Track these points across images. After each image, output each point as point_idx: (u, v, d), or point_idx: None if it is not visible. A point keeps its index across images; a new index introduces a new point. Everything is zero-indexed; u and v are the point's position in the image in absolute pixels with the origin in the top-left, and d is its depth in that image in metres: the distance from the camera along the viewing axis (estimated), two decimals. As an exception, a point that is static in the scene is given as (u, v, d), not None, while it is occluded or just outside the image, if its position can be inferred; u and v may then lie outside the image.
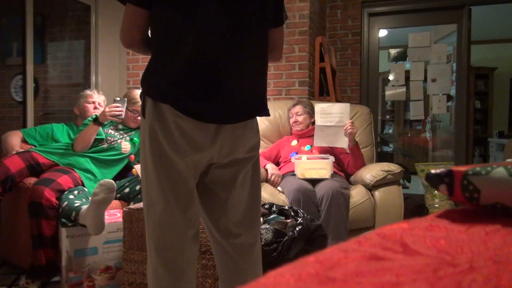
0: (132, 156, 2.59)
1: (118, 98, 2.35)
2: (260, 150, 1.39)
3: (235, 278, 1.28)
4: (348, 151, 2.61)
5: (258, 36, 1.20)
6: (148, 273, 1.24)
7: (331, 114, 2.53)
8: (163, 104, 1.12)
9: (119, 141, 2.51)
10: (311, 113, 2.76)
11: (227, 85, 1.15)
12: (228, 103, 1.16)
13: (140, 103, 2.50)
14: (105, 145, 2.45)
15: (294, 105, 2.82)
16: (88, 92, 2.69)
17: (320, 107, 2.55)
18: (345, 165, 2.67)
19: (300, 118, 2.76)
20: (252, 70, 1.21)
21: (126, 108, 2.41)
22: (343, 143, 2.54)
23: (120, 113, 2.29)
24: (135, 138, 2.60)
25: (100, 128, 2.39)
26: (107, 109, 2.30)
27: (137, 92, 2.62)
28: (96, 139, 2.40)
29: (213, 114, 1.14)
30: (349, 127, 2.47)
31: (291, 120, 2.82)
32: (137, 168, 2.37)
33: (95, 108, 2.63)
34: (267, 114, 1.28)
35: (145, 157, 1.18)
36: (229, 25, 1.14)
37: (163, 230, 1.17)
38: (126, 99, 2.39)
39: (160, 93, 1.13)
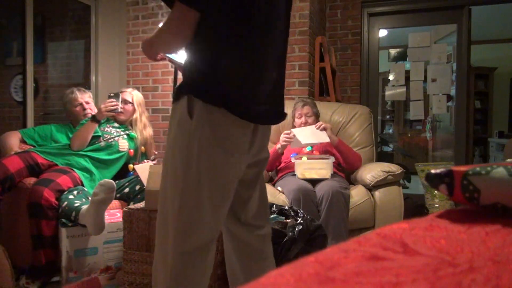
0: (131, 151, 2.58)
1: (112, 94, 2.49)
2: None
3: (261, 266, 1.34)
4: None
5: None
6: (161, 273, 1.16)
7: (305, 130, 2.65)
8: (217, 107, 1.09)
9: (116, 138, 2.51)
10: (317, 114, 2.76)
11: (277, 89, 1.25)
12: (276, 106, 1.27)
13: (124, 93, 2.57)
14: (102, 143, 2.46)
15: (303, 106, 2.74)
16: (70, 96, 2.63)
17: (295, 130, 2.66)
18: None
19: (310, 120, 2.70)
20: (284, 74, 1.33)
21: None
22: (324, 137, 2.57)
23: (115, 107, 2.45)
24: (132, 133, 2.60)
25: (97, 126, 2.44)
26: (102, 106, 2.39)
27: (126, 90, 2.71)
28: (93, 137, 2.42)
29: (266, 116, 1.23)
30: (320, 125, 2.58)
31: (300, 121, 2.73)
32: (137, 167, 2.37)
33: (84, 109, 2.61)
34: (286, 115, 1.36)
35: (188, 160, 1.11)
36: (283, 35, 1.26)
37: (192, 232, 1.13)
38: (120, 93, 2.54)
39: (219, 97, 1.10)
